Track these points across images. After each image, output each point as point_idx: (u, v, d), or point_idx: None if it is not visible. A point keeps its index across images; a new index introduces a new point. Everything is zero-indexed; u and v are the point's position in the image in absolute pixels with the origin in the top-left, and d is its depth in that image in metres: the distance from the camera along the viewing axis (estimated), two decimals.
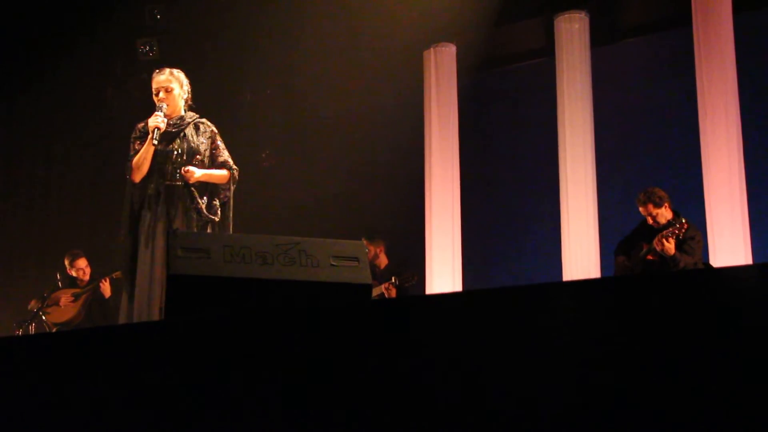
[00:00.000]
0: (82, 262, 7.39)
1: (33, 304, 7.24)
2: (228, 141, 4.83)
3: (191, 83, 4.82)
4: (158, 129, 4.51)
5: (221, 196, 4.66)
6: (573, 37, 7.69)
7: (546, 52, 8.05)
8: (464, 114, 8.30)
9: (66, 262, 7.40)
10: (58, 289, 7.34)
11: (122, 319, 4.46)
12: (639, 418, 1.56)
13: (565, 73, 7.65)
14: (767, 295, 1.56)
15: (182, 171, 4.50)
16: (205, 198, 4.59)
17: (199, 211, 4.51)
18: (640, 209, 5.81)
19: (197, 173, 4.52)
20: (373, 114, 8.46)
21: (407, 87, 8.41)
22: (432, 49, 8.32)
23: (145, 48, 8.38)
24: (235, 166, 4.71)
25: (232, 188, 4.69)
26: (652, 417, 1.55)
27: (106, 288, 7.22)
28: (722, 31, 6.91)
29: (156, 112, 4.58)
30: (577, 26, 7.70)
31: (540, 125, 8.03)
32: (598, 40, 7.74)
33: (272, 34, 8.35)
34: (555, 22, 7.81)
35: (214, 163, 4.67)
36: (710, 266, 5.95)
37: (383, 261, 7.18)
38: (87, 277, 7.38)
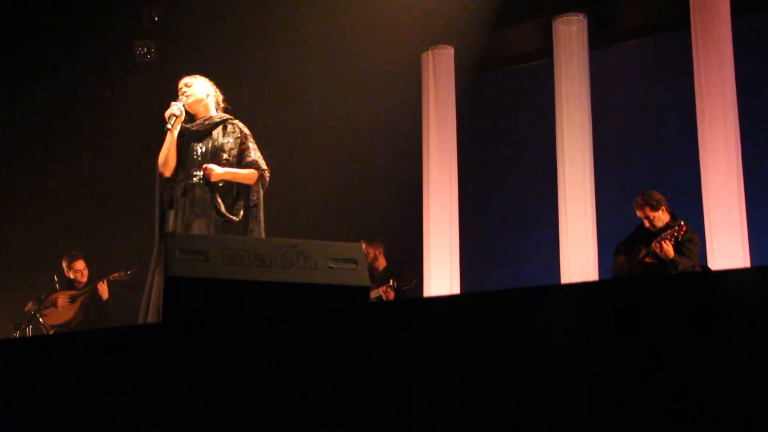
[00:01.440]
0: (80, 264, 7.37)
1: (30, 306, 7.22)
2: None
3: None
4: (174, 116, 4.51)
5: (253, 198, 4.60)
6: (571, 40, 7.69)
7: (544, 55, 8.05)
8: (462, 116, 8.30)
9: (64, 264, 7.39)
10: (56, 291, 7.32)
11: (140, 319, 4.45)
12: (638, 420, 1.56)
13: (563, 75, 7.65)
14: (766, 298, 1.56)
15: (203, 168, 4.49)
16: (229, 198, 4.55)
17: (218, 210, 4.49)
18: (637, 212, 5.81)
19: (218, 171, 4.48)
20: (372, 116, 8.47)
21: (405, 89, 8.41)
22: (430, 51, 8.32)
23: (143, 50, 8.38)
24: (265, 167, 4.64)
25: (261, 190, 4.61)
26: (651, 420, 1.55)
27: (104, 290, 7.21)
28: (721, 34, 6.91)
29: (173, 102, 4.58)
30: (575, 28, 7.71)
31: (538, 127, 8.04)
32: (596, 43, 7.74)
33: (270, 35, 8.35)
34: (553, 25, 7.81)
35: (241, 162, 4.62)
36: (708, 269, 5.95)
37: (382, 263, 7.18)
38: (85, 279, 7.37)
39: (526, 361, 1.68)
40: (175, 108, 4.53)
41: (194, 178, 4.50)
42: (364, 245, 6.56)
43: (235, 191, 4.59)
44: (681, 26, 7.31)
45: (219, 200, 4.48)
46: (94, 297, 7.25)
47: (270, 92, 8.79)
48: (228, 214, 4.50)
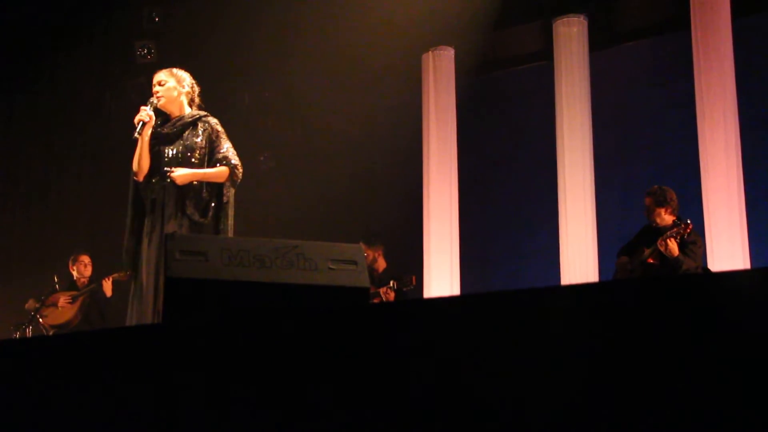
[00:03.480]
0: (86, 258, 7.40)
1: (30, 304, 7.22)
2: None
3: None
4: (143, 122, 4.47)
5: (225, 195, 4.54)
6: (571, 41, 7.69)
7: (544, 56, 8.05)
8: (462, 117, 8.30)
9: (70, 260, 7.40)
10: (56, 291, 7.32)
11: (128, 321, 4.44)
12: (638, 422, 1.56)
13: (563, 76, 7.65)
14: (766, 300, 1.56)
15: (168, 173, 4.46)
16: (200, 198, 4.49)
17: (185, 211, 4.43)
18: (646, 199, 5.78)
19: (183, 174, 4.43)
20: (372, 117, 8.46)
21: (406, 90, 8.41)
22: (431, 52, 8.33)
23: (143, 51, 8.39)
24: (237, 162, 4.55)
25: (229, 185, 4.53)
26: (650, 422, 1.55)
27: (108, 287, 7.18)
28: (721, 35, 6.91)
29: (142, 106, 4.55)
30: (575, 30, 7.71)
31: (538, 129, 8.04)
32: (596, 44, 7.75)
33: (270, 36, 8.35)
34: (554, 26, 7.81)
35: (211, 160, 4.55)
36: (709, 271, 5.94)
37: (381, 265, 7.18)
38: (88, 274, 7.38)
39: (526, 362, 1.67)
40: (144, 114, 4.48)
41: (166, 181, 4.49)
42: (363, 247, 6.55)
43: (206, 191, 4.52)
44: (681, 27, 7.31)
45: (187, 202, 4.44)
46: (94, 297, 7.25)
47: (270, 93, 8.79)
48: (194, 216, 4.44)
